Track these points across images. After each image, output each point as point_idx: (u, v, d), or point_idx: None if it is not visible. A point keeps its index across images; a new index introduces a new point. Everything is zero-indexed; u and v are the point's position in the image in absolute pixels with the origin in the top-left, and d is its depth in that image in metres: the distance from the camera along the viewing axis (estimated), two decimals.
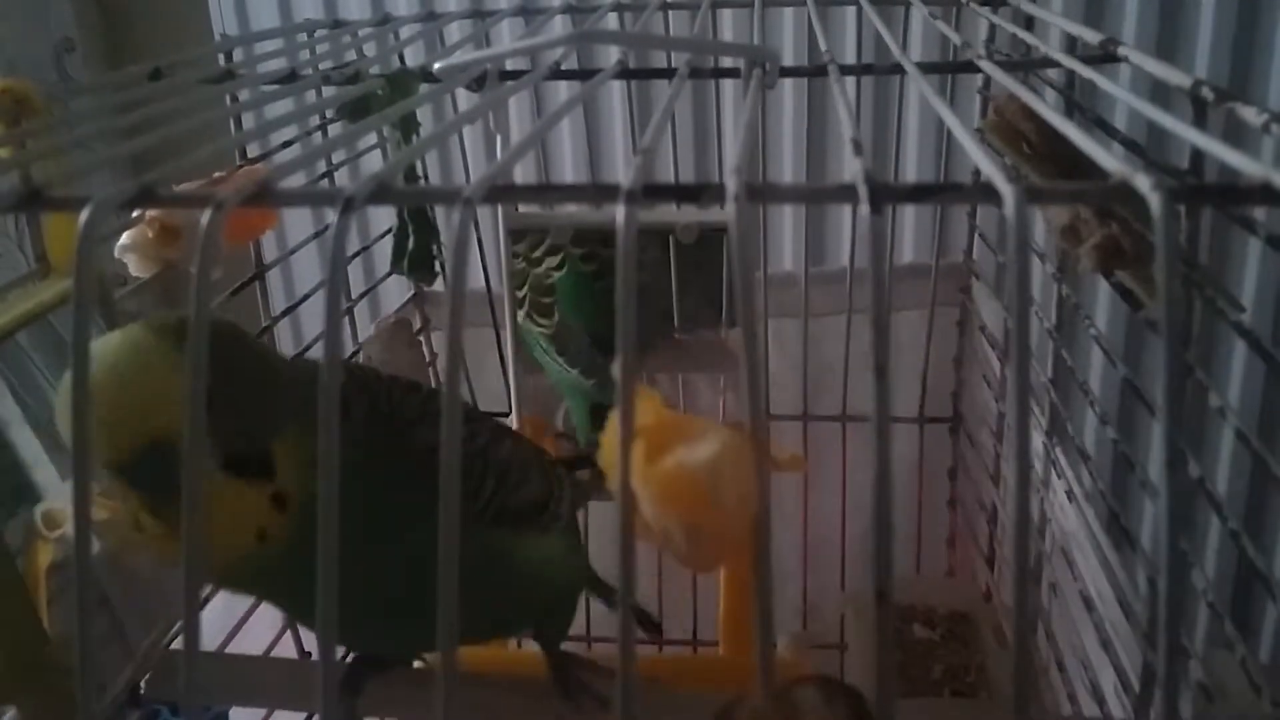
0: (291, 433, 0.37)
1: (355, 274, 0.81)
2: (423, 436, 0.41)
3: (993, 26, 0.65)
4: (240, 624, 0.57)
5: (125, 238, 0.47)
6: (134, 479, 0.35)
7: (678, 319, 0.67)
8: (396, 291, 0.82)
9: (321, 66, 0.50)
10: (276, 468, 0.37)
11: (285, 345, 0.64)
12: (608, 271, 0.65)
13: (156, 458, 0.34)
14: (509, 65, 0.48)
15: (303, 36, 0.61)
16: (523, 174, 0.93)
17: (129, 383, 0.34)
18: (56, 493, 0.45)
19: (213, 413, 0.34)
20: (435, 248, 0.68)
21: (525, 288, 0.68)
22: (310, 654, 0.61)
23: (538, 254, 0.67)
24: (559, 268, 0.67)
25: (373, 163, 0.77)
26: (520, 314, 0.68)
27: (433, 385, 0.79)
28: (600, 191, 0.26)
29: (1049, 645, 0.59)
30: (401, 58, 0.64)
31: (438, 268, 0.69)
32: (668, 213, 0.64)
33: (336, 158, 0.74)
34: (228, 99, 0.46)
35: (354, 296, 0.73)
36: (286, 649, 0.61)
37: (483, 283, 0.80)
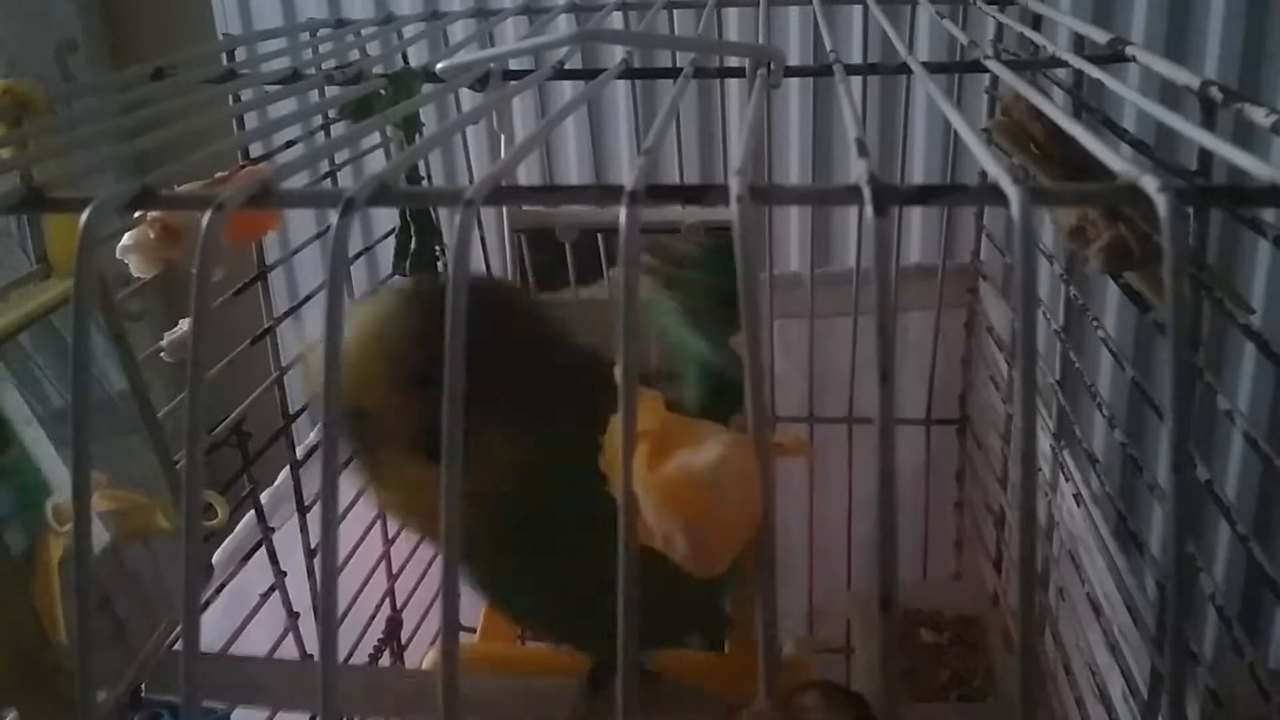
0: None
1: (358, 274, 0.80)
2: None
3: (1000, 26, 0.65)
4: (242, 626, 0.57)
5: (127, 238, 0.47)
6: None
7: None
8: None
9: (324, 66, 0.50)
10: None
11: (288, 346, 0.64)
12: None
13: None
14: (513, 65, 0.47)
15: (305, 36, 0.61)
16: (527, 174, 0.93)
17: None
18: (67, 488, 0.45)
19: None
20: (438, 248, 0.68)
21: None
22: (312, 655, 0.61)
23: None
24: None
25: (375, 163, 0.77)
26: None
27: None
28: (604, 193, 0.26)
29: (1056, 649, 0.59)
30: (404, 57, 0.64)
31: (440, 268, 0.69)
32: (672, 213, 0.63)
33: (339, 158, 0.74)
34: (230, 99, 0.45)
35: (357, 297, 0.73)
36: (289, 651, 0.61)
37: None
